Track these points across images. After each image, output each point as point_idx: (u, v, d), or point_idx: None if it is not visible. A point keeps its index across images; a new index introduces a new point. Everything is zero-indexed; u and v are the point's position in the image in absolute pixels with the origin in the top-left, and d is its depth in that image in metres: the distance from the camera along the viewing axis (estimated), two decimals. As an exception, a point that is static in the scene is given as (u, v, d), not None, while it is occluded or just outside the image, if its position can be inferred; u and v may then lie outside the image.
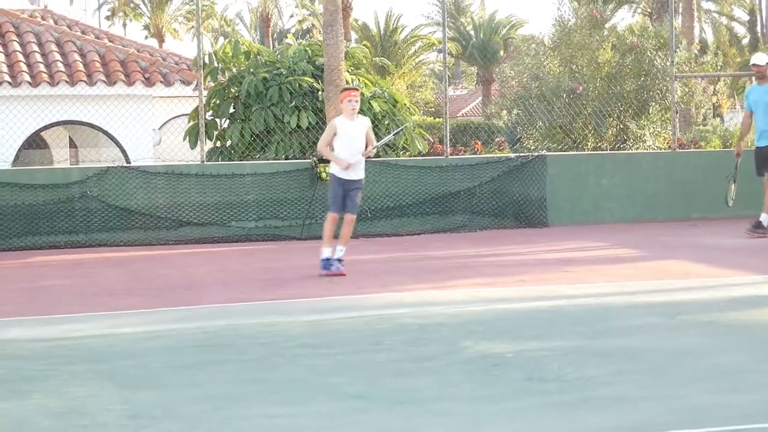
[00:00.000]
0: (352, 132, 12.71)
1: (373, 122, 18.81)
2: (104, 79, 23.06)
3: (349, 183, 12.73)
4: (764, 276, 11.89)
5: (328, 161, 16.84)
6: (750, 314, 9.61)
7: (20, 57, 23.35)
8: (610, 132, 21.04)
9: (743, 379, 7.05)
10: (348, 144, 12.69)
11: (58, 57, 23.48)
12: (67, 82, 22.66)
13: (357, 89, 13.49)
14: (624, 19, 58.83)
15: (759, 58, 16.56)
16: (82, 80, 22.76)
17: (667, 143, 20.54)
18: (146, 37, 65.69)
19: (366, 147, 12.78)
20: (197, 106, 18.19)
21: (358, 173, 12.80)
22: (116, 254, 15.72)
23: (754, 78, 16.58)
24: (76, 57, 23.60)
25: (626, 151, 20.22)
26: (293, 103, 18.69)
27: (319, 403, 6.63)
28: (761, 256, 13.73)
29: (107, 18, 70.96)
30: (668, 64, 20.14)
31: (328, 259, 12.56)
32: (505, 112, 23.85)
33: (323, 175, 16.98)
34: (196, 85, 18.63)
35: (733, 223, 17.07)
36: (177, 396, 6.96)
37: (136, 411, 6.57)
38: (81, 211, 16.64)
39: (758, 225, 15.88)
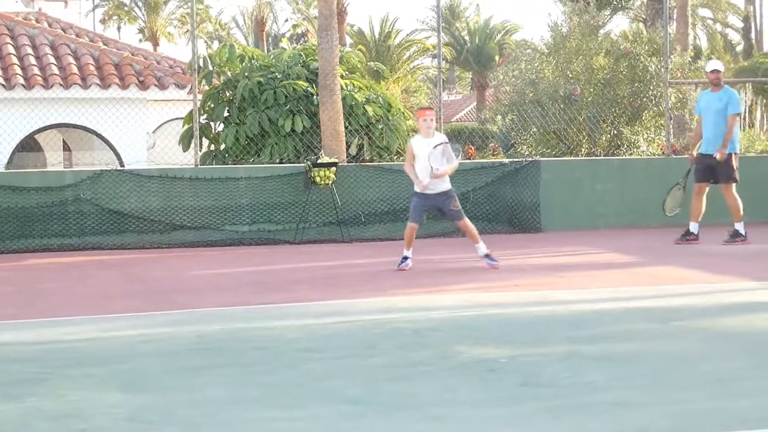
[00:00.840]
0: (428, 150, 13.12)
1: (366, 126, 18.93)
2: (98, 82, 23.04)
3: (434, 198, 13.31)
4: (759, 282, 11.91)
5: (322, 165, 16.96)
6: (745, 320, 9.62)
7: (14, 60, 23.34)
8: (604, 138, 21.07)
9: (740, 385, 7.05)
10: (424, 162, 13.17)
11: (52, 60, 23.47)
12: (61, 85, 22.64)
13: (431, 108, 14.08)
14: (618, 25, 58.95)
15: (718, 65, 16.48)
16: (76, 83, 22.74)
17: (661, 149, 20.56)
18: (140, 41, 65.74)
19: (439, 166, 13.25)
20: (192, 110, 18.17)
21: (438, 187, 13.28)
22: (110, 257, 15.71)
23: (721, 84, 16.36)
24: (71, 60, 23.59)
25: (620, 157, 20.23)
26: (288, 106, 18.69)
27: (317, 407, 6.62)
28: (756, 262, 13.76)
29: (101, 21, 71.00)
30: (662, 70, 20.16)
31: (405, 258, 13.37)
32: (499, 117, 23.88)
33: (317, 179, 16.99)
34: (191, 89, 18.63)
35: (726, 229, 17.08)
36: (174, 400, 6.95)
37: (133, 415, 6.55)
38: (74, 214, 16.62)
39: (735, 234, 15.89)
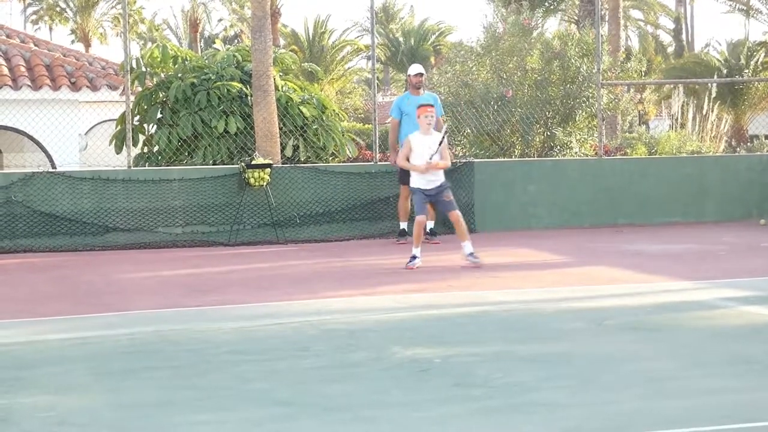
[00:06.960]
0: (426, 147, 13.68)
1: (301, 127, 18.88)
2: (29, 83, 22.82)
3: (433, 190, 13.77)
4: (689, 282, 12.02)
5: (256, 167, 16.89)
6: (675, 320, 9.71)
7: (-56, 61, 23.08)
8: (537, 139, 21.16)
9: (669, 385, 7.11)
10: (424, 159, 13.68)
11: (-18, 61, 23.24)
12: (-9, 86, 22.42)
13: (432, 105, 14.32)
14: (549, 28, 59.34)
15: (421, 68, 16.63)
16: (7, 84, 22.51)
17: (594, 150, 20.70)
18: (72, 42, 65.19)
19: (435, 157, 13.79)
20: (124, 111, 18.03)
21: (437, 180, 13.80)
22: (41, 260, 15.55)
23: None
24: (1, 61, 23.35)
25: (553, 158, 20.34)
26: (221, 108, 18.60)
27: (246, 410, 6.60)
28: (686, 263, 13.88)
29: (32, 22, 70.32)
30: (593, 71, 20.29)
31: (414, 257, 13.61)
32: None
33: (252, 180, 16.92)
34: (123, 90, 18.48)
35: (658, 230, 17.25)
36: (104, 403, 6.89)
37: (63, 418, 6.49)
38: (5, 216, 16.43)
39: (402, 233, 16.27)
